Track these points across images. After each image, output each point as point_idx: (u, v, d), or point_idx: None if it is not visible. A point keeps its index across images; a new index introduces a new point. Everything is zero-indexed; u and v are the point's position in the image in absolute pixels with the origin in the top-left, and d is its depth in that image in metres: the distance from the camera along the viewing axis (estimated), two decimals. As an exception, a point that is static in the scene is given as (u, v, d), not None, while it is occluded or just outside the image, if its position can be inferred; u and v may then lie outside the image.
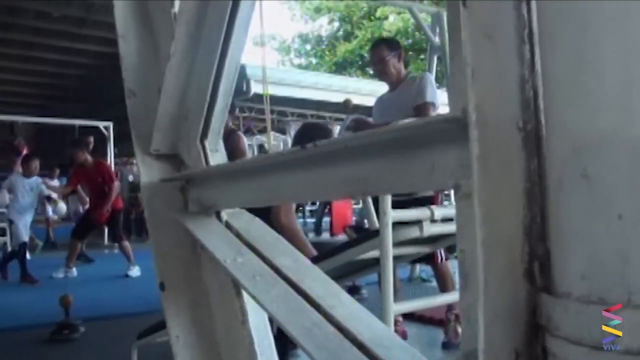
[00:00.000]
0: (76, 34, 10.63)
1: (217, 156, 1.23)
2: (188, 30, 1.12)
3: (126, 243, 6.52)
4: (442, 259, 3.15)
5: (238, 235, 1.06)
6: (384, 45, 3.54)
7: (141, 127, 1.25)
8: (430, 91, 3.18)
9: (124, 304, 4.78)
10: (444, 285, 3.10)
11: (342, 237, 7.12)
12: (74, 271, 6.30)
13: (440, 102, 3.29)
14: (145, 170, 1.18)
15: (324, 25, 23.86)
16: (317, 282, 0.93)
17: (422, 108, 3.14)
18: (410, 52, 19.68)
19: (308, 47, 24.46)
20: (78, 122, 10.64)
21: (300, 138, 2.46)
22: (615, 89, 0.47)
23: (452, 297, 2.19)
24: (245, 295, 1.06)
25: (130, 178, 11.96)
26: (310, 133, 2.48)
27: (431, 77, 3.37)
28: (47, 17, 9.66)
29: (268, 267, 0.94)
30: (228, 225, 1.10)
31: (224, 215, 1.13)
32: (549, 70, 0.54)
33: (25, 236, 6.00)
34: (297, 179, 0.87)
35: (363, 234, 2.19)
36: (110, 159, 10.32)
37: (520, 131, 0.56)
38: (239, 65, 1.19)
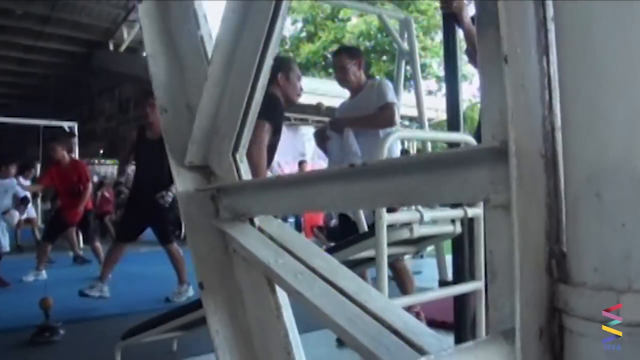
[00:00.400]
0: (40, 32, 10.46)
1: (246, 166, 1.35)
2: (224, 56, 1.24)
3: (98, 244, 6.51)
4: (398, 258, 3.23)
5: (272, 239, 1.20)
6: (344, 53, 3.74)
7: (174, 140, 1.36)
8: (390, 93, 3.41)
9: (101, 306, 4.82)
10: (403, 285, 3.26)
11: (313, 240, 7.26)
12: (44, 274, 6.26)
13: (402, 103, 3.62)
14: (181, 181, 1.30)
15: (287, 26, 23.87)
16: (349, 280, 1.07)
17: (385, 107, 3.39)
18: (372, 54, 20.07)
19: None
20: (42, 122, 10.45)
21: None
22: (623, 128, 0.63)
23: (413, 299, 2.35)
24: (279, 291, 1.19)
25: (95, 179, 11.83)
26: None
27: (388, 82, 3.62)
28: (9, 14, 9.49)
29: (305, 267, 1.08)
30: (261, 230, 1.23)
31: (257, 221, 1.26)
32: (566, 112, 0.70)
33: (2, 239, 5.92)
34: (335, 190, 1.00)
35: (355, 235, 2.36)
36: (76, 160, 10.17)
37: (543, 158, 0.72)
38: (264, 90, 1.31)
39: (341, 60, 3.62)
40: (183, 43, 1.42)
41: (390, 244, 2.05)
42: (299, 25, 22.95)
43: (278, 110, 3.21)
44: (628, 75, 0.60)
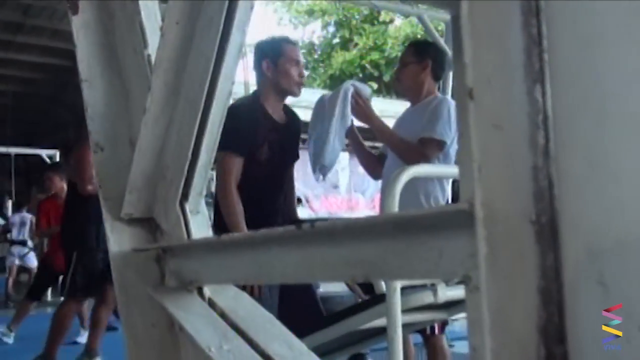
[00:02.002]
0: (11, 41, 10.66)
1: (199, 219, 1.31)
2: (166, 80, 1.22)
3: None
4: (433, 331, 3.09)
5: (223, 315, 1.15)
6: (412, 48, 3.56)
7: (111, 187, 1.34)
8: (441, 125, 3.12)
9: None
10: None
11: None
12: (12, 337, 6.27)
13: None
14: (115, 238, 1.27)
15: (317, 31, 24.04)
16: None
17: (424, 143, 3.13)
18: None
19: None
20: (14, 149, 10.62)
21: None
22: (633, 190, 0.56)
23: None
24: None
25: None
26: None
27: (450, 104, 3.23)
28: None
29: (259, 355, 1.03)
30: (212, 304, 1.19)
31: (207, 291, 1.21)
32: (565, 161, 0.63)
33: None
34: (292, 256, 0.95)
35: (367, 299, 2.28)
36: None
37: (534, 224, 0.65)
38: (224, 117, 1.28)
39: (405, 56, 3.49)
40: (127, 64, 1.42)
41: (409, 310, 1.97)
42: (331, 29, 23.07)
43: (243, 129, 2.84)
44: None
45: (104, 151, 1.37)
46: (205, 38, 1.21)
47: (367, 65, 20.98)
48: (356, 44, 21.72)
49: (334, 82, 21.98)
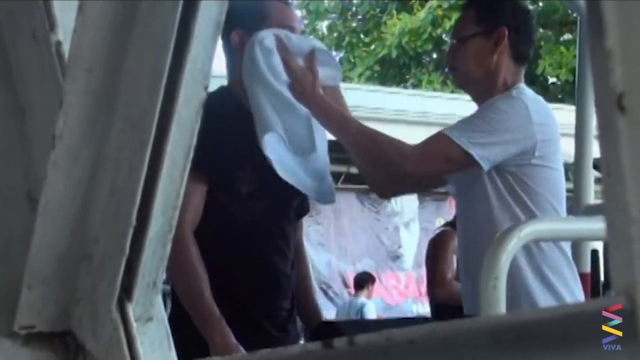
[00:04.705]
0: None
1: (152, 330, 0.99)
2: (91, 87, 0.91)
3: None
4: None
5: None
6: (475, 11, 2.46)
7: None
8: (470, 122, 2.30)
9: None
10: None
11: None
12: None
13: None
14: (4, 370, 1.04)
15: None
16: None
17: (428, 144, 2.34)
18: (541, 30, 14.00)
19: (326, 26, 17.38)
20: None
21: None
22: None
23: None
24: None
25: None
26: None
27: (518, 101, 2.32)
28: None
29: None
30: None
31: None
32: None
33: None
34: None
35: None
36: None
37: None
38: (192, 146, 0.99)
39: (461, 25, 2.51)
40: (21, 58, 1.09)
41: None
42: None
43: (207, 136, 1.83)
44: None
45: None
46: (156, 13, 0.93)
47: (446, 37, 14.41)
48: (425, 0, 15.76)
49: (387, 67, 16.68)
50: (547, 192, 2.28)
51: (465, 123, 2.31)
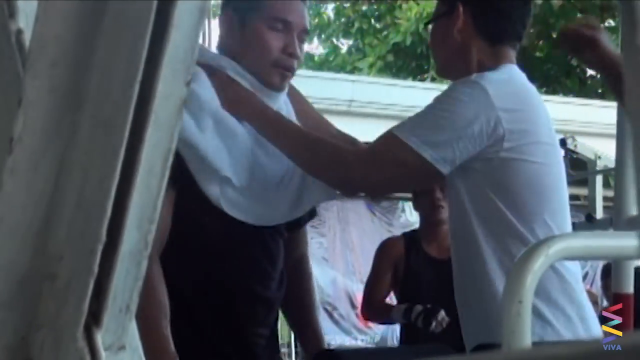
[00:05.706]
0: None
1: (125, 358, 0.91)
2: (56, 82, 0.84)
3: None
4: None
5: None
6: None
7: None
8: (423, 119, 2.08)
9: None
10: None
11: None
12: None
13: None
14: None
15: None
16: None
17: (378, 145, 2.15)
18: (579, 15, 13.51)
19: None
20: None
21: None
22: None
23: None
24: None
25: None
26: None
27: (476, 86, 2.09)
28: None
29: None
30: None
31: None
32: None
33: None
34: None
35: None
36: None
37: None
38: (171, 151, 0.91)
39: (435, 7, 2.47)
40: None
41: None
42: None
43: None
44: None
45: None
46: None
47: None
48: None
49: (401, 57, 15.83)
50: (525, 191, 2.05)
51: (416, 119, 2.11)
